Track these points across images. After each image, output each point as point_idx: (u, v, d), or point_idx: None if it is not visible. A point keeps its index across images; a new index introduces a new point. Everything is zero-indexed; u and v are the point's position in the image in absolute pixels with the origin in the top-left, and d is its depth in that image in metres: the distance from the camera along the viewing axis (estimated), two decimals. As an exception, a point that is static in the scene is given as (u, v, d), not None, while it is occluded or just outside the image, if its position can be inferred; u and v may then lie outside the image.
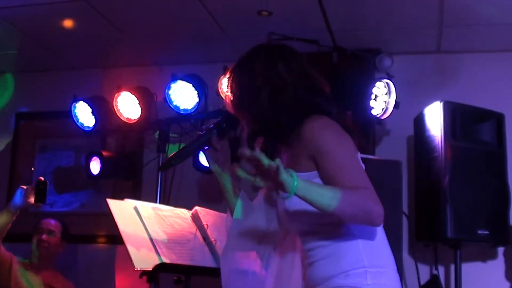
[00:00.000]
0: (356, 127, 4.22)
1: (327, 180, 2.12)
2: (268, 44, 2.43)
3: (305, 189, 1.95)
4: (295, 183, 1.91)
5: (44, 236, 4.52)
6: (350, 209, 2.02)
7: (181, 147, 2.47)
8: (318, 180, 2.14)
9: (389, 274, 2.22)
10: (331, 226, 2.18)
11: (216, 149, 2.44)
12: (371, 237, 2.21)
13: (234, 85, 2.36)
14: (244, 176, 1.91)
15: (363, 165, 2.24)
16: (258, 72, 2.30)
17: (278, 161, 1.87)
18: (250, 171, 1.91)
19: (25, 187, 3.89)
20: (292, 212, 2.19)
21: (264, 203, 2.42)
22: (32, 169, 5.52)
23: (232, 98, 2.36)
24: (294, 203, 2.11)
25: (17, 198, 3.85)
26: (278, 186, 1.92)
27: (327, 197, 1.98)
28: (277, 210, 2.36)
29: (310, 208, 2.01)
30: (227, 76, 2.41)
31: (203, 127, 2.46)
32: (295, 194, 1.93)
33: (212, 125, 2.43)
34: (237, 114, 2.38)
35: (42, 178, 3.87)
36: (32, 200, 3.85)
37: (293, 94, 2.26)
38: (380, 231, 2.26)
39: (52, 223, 4.62)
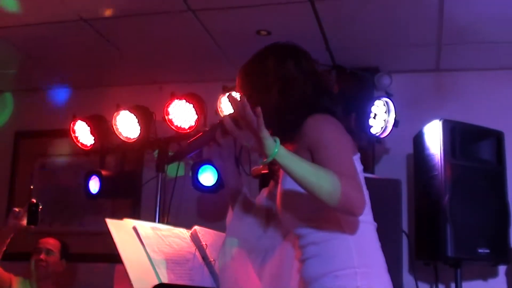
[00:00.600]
0: (359, 130, 4.24)
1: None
2: (281, 43, 2.44)
3: (286, 158, 2.00)
4: (276, 149, 1.97)
5: (42, 256, 4.50)
6: (329, 188, 1.99)
7: (186, 144, 2.45)
8: None
9: (380, 274, 2.20)
10: (323, 222, 2.18)
11: (220, 145, 2.41)
12: (362, 236, 2.19)
13: (246, 81, 2.39)
14: (230, 127, 2.07)
15: (359, 166, 2.25)
16: (270, 67, 2.34)
17: (258, 111, 1.94)
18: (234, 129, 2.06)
19: (17, 209, 3.88)
20: (286, 196, 2.22)
21: (266, 202, 2.46)
22: (31, 187, 5.51)
23: (243, 93, 2.36)
24: (287, 185, 2.17)
25: (10, 221, 3.85)
26: (260, 146, 1.99)
27: (308, 171, 2.00)
28: (274, 205, 2.38)
29: (302, 194, 2.07)
30: (240, 72, 2.44)
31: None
32: (276, 160, 1.99)
33: (218, 122, 2.41)
34: None
35: (34, 200, 3.86)
36: (24, 222, 3.84)
37: (301, 91, 2.30)
38: (371, 231, 2.26)
39: (50, 242, 4.60)
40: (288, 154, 2.01)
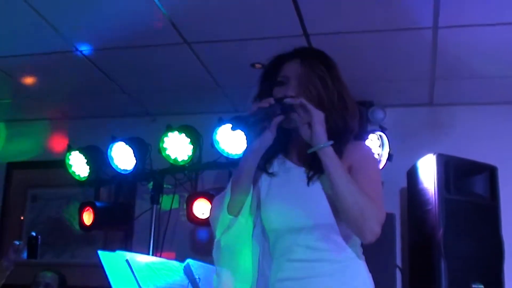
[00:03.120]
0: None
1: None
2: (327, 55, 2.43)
3: (332, 157, 2.11)
4: (326, 144, 2.11)
5: None
6: (352, 200, 2.08)
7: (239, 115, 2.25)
8: None
9: None
10: (349, 241, 2.20)
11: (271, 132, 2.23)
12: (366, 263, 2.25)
13: (315, 83, 2.27)
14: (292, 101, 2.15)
15: None
16: (337, 75, 2.32)
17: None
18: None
19: (17, 243, 3.87)
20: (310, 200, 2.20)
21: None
22: (22, 218, 5.49)
23: (312, 93, 2.26)
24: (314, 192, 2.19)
25: (10, 255, 3.83)
26: (313, 132, 2.12)
27: (348, 182, 2.10)
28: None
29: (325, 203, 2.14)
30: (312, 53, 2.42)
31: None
32: (321, 154, 2.11)
33: (270, 103, 2.20)
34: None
35: (34, 234, 3.86)
36: (24, 256, 3.83)
37: (350, 112, 2.30)
38: None
39: (48, 276, 4.58)
40: (334, 156, 2.12)
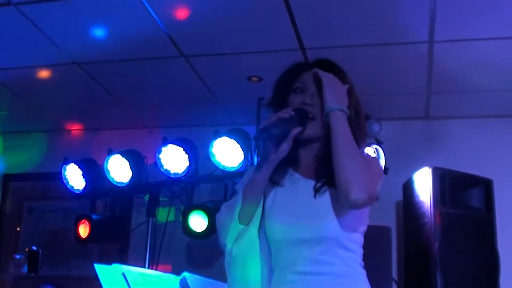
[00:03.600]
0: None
1: None
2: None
3: (341, 120, 2.17)
4: (338, 106, 2.18)
5: None
6: (354, 163, 2.12)
7: (263, 127, 2.16)
8: None
9: None
10: (344, 254, 2.19)
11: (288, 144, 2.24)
12: None
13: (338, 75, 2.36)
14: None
15: None
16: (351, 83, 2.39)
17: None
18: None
19: (18, 256, 3.88)
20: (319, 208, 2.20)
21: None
22: (18, 229, 5.48)
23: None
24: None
25: (11, 268, 3.83)
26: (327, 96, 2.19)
27: (353, 147, 2.15)
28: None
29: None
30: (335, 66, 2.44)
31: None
32: (332, 115, 2.16)
33: (291, 114, 2.20)
34: None
35: (35, 248, 3.86)
36: (24, 269, 3.83)
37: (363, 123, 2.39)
38: None
39: None
40: (344, 121, 2.17)
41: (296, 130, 2.20)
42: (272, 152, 2.21)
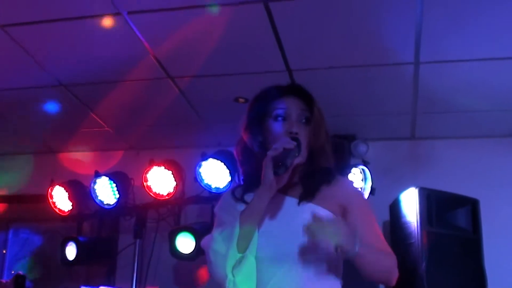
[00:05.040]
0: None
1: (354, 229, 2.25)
2: None
3: (363, 252, 2.19)
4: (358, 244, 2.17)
5: None
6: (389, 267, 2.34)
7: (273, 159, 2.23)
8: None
9: None
10: (324, 269, 2.28)
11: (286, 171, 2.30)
12: None
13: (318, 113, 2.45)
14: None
15: None
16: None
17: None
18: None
19: (4, 281, 3.86)
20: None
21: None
22: (4, 252, 5.44)
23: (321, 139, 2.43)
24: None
25: None
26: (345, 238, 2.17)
27: (374, 258, 2.29)
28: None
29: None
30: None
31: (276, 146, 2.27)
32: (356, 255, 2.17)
33: (294, 145, 2.29)
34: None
35: (21, 272, 3.85)
36: None
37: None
38: None
39: None
40: (367, 252, 2.23)
41: (297, 160, 2.28)
42: (273, 181, 2.24)
